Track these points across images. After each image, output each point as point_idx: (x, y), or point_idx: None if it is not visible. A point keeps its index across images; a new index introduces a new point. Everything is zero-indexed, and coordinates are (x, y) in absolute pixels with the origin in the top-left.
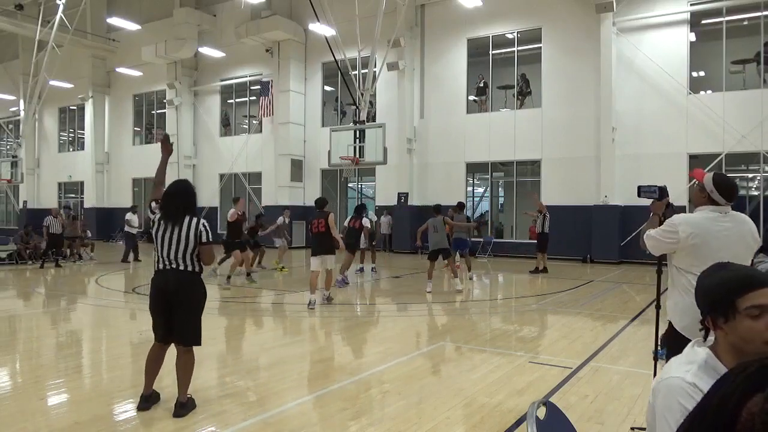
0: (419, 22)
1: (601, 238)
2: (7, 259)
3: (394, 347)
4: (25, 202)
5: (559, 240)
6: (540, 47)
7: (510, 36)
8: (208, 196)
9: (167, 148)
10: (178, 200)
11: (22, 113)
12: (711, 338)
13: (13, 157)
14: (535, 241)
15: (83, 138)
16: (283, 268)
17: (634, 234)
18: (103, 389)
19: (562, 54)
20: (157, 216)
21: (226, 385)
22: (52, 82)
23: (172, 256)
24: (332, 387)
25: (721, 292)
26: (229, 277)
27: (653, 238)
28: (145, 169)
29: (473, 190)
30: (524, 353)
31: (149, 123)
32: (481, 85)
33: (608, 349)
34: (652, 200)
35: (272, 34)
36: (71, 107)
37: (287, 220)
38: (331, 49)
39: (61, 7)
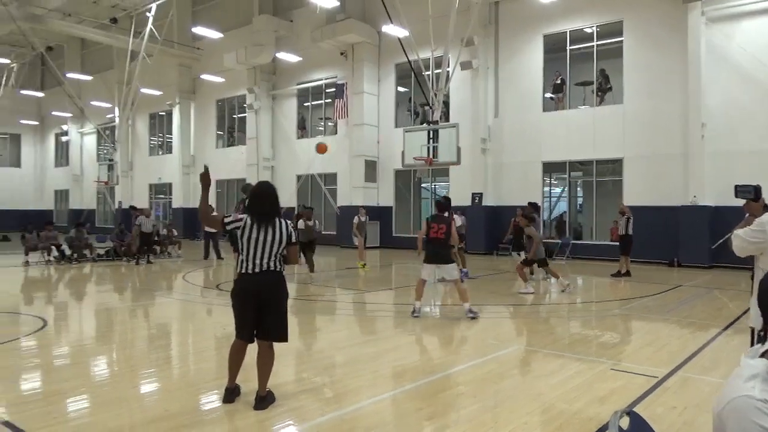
0: (493, 20)
1: (690, 241)
2: (105, 255)
3: (469, 349)
4: (120, 202)
5: (644, 242)
6: (621, 41)
7: (589, 30)
8: (286, 196)
9: (206, 181)
10: (268, 202)
11: (117, 120)
12: (760, 347)
13: (109, 160)
14: (617, 243)
15: (171, 142)
16: (364, 265)
17: (727, 236)
18: (190, 380)
19: (646, 47)
20: (246, 220)
21: (303, 381)
22: (143, 90)
23: (265, 258)
24: (407, 387)
25: None
26: None
27: (740, 238)
28: (226, 171)
29: (550, 190)
30: (606, 360)
31: (231, 127)
32: (558, 81)
33: (698, 359)
34: (746, 200)
35: (346, 37)
36: (160, 113)
37: (364, 219)
38: (404, 50)
39: (150, 19)
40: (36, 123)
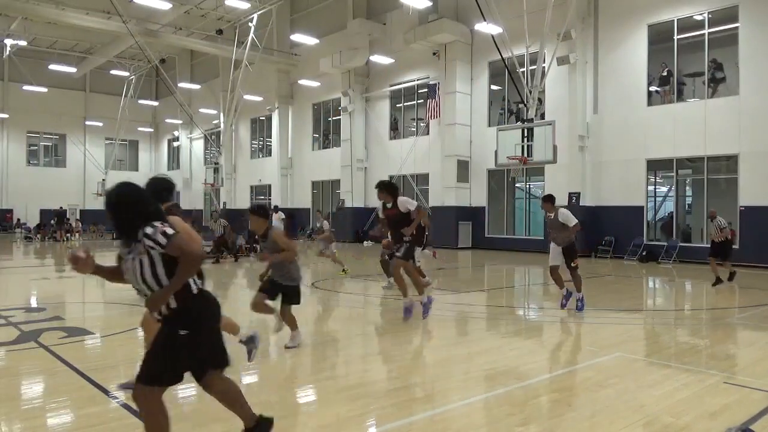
0: (592, 12)
1: None
2: (210, 253)
3: (564, 355)
4: (224, 203)
5: (763, 246)
6: (736, 27)
7: (699, 17)
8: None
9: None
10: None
11: (222, 125)
12: None
13: (215, 164)
14: (735, 247)
15: (270, 145)
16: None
17: None
18: (280, 375)
19: (764, 33)
20: None
21: (395, 380)
22: (246, 96)
23: None
24: (498, 390)
25: None
26: None
27: None
28: (321, 173)
29: (655, 189)
30: (718, 372)
31: (326, 129)
32: (664, 74)
33: None
34: None
35: (439, 37)
36: (261, 118)
37: (320, 224)
38: (497, 47)
39: (252, 29)
40: (151, 130)
